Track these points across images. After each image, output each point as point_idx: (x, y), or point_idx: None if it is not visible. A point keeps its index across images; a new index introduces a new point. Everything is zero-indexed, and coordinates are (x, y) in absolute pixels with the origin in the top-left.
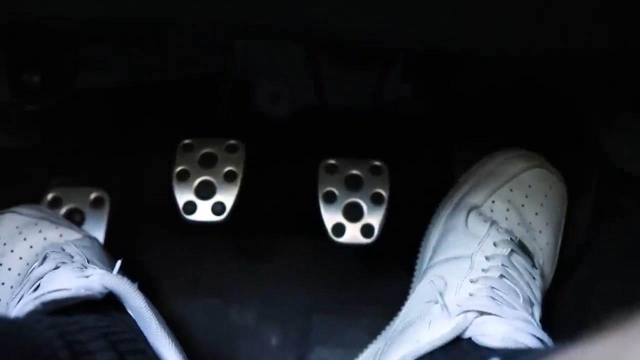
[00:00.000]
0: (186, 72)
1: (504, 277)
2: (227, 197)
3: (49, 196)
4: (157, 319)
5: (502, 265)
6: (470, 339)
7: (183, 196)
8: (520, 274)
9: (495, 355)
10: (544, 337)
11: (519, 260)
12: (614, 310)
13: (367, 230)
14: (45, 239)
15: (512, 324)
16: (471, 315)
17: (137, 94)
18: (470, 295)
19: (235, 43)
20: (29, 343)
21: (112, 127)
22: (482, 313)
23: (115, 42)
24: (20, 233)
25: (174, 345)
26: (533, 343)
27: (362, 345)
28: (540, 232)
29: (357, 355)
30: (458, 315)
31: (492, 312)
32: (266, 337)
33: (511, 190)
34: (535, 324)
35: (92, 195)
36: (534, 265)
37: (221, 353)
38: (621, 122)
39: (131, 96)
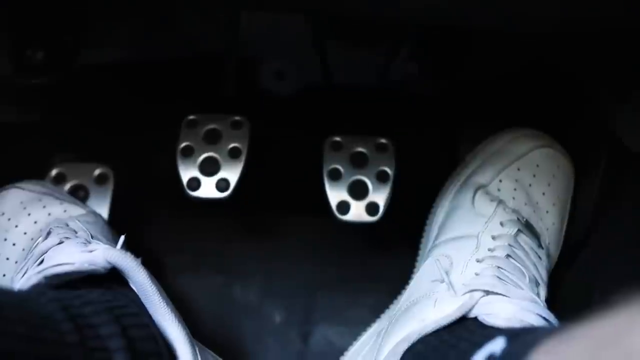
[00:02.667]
0: (191, 48)
1: (510, 256)
2: (232, 173)
3: (53, 172)
4: (160, 294)
5: (509, 245)
6: (476, 318)
7: (187, 172)
8: (527, 254)
9: (501, 334)
10: (550, 316)
11: (525, 240)
12: (619, 293)
13: (372, 208)
14: (49, 214)
15: (518, 304)
16: (477, 294)
17: (142, 71)
18: (476, 274)
19: (241, 19)
20: (33, 315)
21: (117, 103)
22: (488, 292)
23: (120, 17)
24: (24, 208)
25: (177, 320)
26: (539, 323)
27: (365, 323)
28: (547, 212)
29: (360, 333)
30: (464, 294)
31: (499, 292)
32: (270, 314)
33: (519, 169)
34: (542, 304)
35: (97, 172)
36: (540, 245)
37: (224, 329)
38: (631, 101)
39: (136, 72)
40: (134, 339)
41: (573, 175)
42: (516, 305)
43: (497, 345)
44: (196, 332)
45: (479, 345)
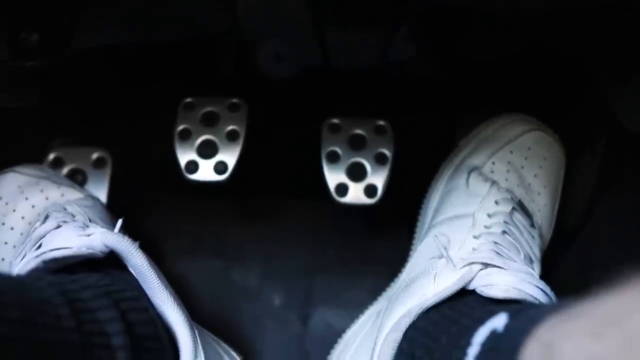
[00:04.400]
0: (188, 31)
1: (506, 233)
2: (230, 156)
3: (51, 156)
4: (159, 278)
5: (504, 222)
6: (475, 292)
7: (185, 155)
8: (521, 232)
9: (503, 310)
10: (547, 288)
11: (519, 218)
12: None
13: (370, 190)
14: (47, 198)
15: (517, 275)
16: (476, 267)
17: (139, 53)
18: (474, 249)
19: (238, 2)
20: (30, 299)
21: (114, 87)
22: (486, 265)
23: (115, 1)
24: (22, 192)
25: (175, 303)
26: (536, 293)
27: (364, 306)
28: (539, 193)
29: (359, 316)
30: (463, 267)
31: (496, 264)
32: (269, 297)
33: (511, 152)
34: (537, 277)
35: (94, 155)
36: (532, 225)
37: (224, 313)
38: (631, 83)
39: (133, 55)
40: (133, 322)
41: (564, 158)
42: (514, 276)
43: (500, 321)
44: (195, 316)
45: (481, 321)
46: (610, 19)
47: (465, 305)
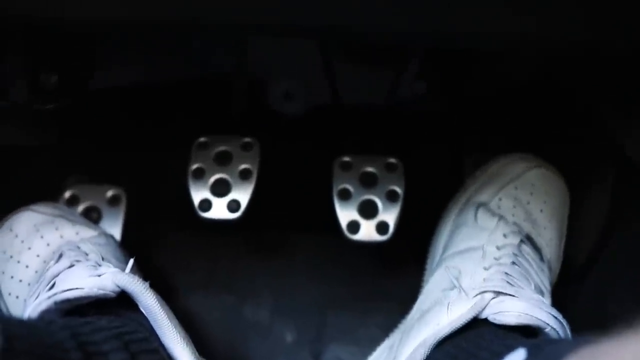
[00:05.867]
0: (200, 71)
1: (515, 264)
2: (243, 194)
3: (67, 194)
4: (169, 318)
5: (513, 253)
6: (490, 323)
7: (199, 194)
8: (530, 263)
9: (521, 345)
10: (559, 315)
11: (527, 251)
12: (632, 313)
13: (382, 227)
14: (61, 236)
15: (528, 301)
16: (488, 295)
17: (153, 93)
18: (485, 279)
19: (249, 42)
20: (43, 344)
21: (129, 126)
22: (498, 293)
23: (131, 43)
24: (37, 231)
25: (185, 344)
26: (548, 319)
27: (376, 342)
28: (545, 228)
29: (370, 352)
30: (475, 296)
31: (508, 292)
32: (280, 334)
33: (516, 188)
34: (549, 304)
35: (109, 193)
36: (542, 259)
37: (235, 349)
38: (637, 117)
39: (147, 95)
40: None
41: (567, 192)
42: (526, 302)
43: (518, 356)
44: (207, 352)
45: (499, 355)
46: (614, 56)
47: (480, 338)
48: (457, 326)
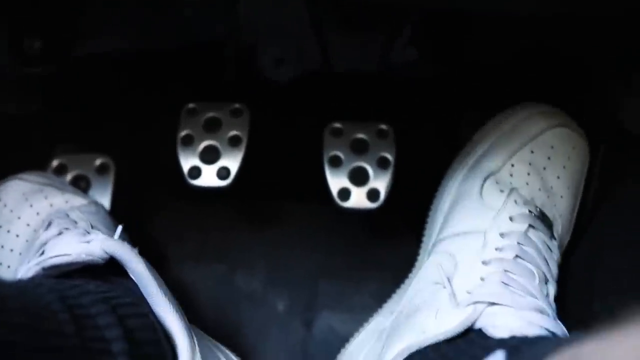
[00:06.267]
0: (189, 36)
1: (519, 257)
2: (232, 161)
3: (54, 163)
4: (158, 283)
5: (518, 243)
6: (480, 330)
7: (188, 161)
8: (538, 250)
9: (502, 347)
10: (557, 329)
11: (537, 234)
12: (620, 281)
13: (373, 194)
14: (51, 205)
15: (524, 318)
16: (480, 306)
17: (140, 59)
18: (482, 279)
19: (239, 6)
20: (32, 305)
21: (116, 93)
22: (492, 304)
23: (117, 5)
24: (26, 200)
25: (174, 309)
26: (543, 334)
27: (368, 310)
28: (562, 197)
29: (363, 322)
30: (467, 306)
31: (503, 303)
32: (272, 302)
33: (532, 152)
34: (550, 314)
35: (98, 162)
36: (552, 236)
37: (227, 318)
38: (632, 84)
39: (134, 61)
40: (132, 328)
41: (588, 156)
42: (521, 319)
43: (497, 359)
44: (199, 321)
45: (477, 358)
46: (610, 20)
47: (465, 342)
48: (442, 339)
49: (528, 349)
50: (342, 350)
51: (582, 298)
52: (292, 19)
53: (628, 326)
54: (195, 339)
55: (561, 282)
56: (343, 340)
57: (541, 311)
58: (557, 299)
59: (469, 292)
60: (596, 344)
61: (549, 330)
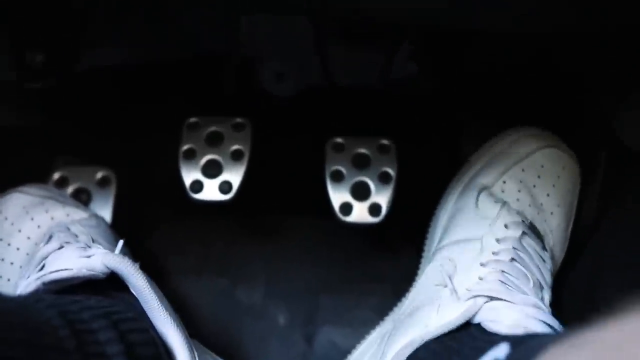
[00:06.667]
0: (191, 50)
1: (515, 260)
2: (234, 175)
3: (56, 176)
4: (159, 298)
5: (513, 248)
6: (479, 324)
7: (190, 175)
8: (531, 257)
9: (504, 340)
10: (554, 323)
11: (529, 242)
12: (622, 296)
13: (374, 209)
14: (52, 218)
15: (522, 311)
16: (480, 300)
17: (143, 73)
18: (480, 279)
19: (241, 20)
20: (32, 321)
21: (118, 106)
22: (491, 298)
23: (119, 19)
24: (27, 213)
25: (175, 324)
26: (543, 329)
27: (369, 324)
28: (552, 213)
29: (364, 335)
30: (467, 300)
31: (502, 298)
32: (273, 316)
33: (523, 170)
34: (546, 310)
35: (99, 175)
36: (544, 248)
37: (228, 332)
38: (631, 100)
39: (137, 75)
40: (133, 343)
41: (579, 176)
42: (520, 312)
43: (501, 351)
44: (200, 335)
45: (482, 350)
46: (608, 38)
47: (468, 336)
48: (444, 331)
49: (530, 340)
50: None
51: (584, 316)
52: (294, 34)
53: (626, 315)
54: (195, 353)
55: (562, 299)
56: (344, 354)
57: (538, 307)
58: (557, 315)
59: (468, 290)
60: (595, 331)
61: (546, 324)
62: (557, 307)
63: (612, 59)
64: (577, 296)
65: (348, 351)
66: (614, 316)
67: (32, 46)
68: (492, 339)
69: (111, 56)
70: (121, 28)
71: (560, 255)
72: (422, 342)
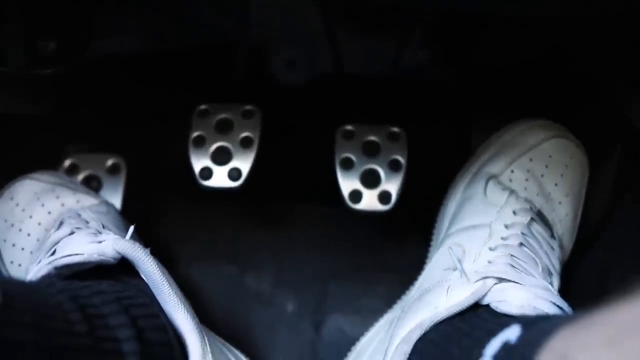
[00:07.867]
0: (202, 37)
1: (524, 245)
2: (244, 162)
3: (66, 163)
4: (169, 284)
5: (522, 233)
6: (488, 305)
7: (199, 162)
8: (540, 244)
9: (515, 322)
10: (564, 304)
11: (538, 229)
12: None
13: (384, 197)
14: (62, 204)
15: (532, 291)
16: (490, 281)
17: (153, 60)
18: (489, 262)
19: (252, 8)
20: (42, 305)
21: (128, 94)
22: (501, 280)
23: (131, 7)
24: (38, 199)
25: (186, 310)
26: (552, 310)
27: (378, 312)
28: (560, 203)
29: (372, 323)
30: (477, 281)
31: (511, 279)
32: (282, 304)
33: (531, 160)
34: (555, 292)
35: (109, 162)
36: (552, 236)
37: (237, 319)
38: None
39: (146, 62)
40: (143, 329)
41: (587, 166)
42: (529, 292)
43: (513, 332)
44: (208, 321)
45: (493, 332)
46: (622, 25)
47: (477, 318)
48: (454, 312)
49: (541, 322)
50: (352, 348)
51: (595, 295)
52: (304, 22)
53: (637, 297)
54: (206, 338)
55: (570, 290)
56: (352, 341)
57: (547, 289)
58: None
59: (477, 272)
60: (606, 313)
61: (556, 305)
62: (566, 299)
63: (625, 47)
64: (587, 287)
65: (356, 338)
66: (624, 298)
67: (44, 34)
68: (502, 320)
69: (121, 44)
70: (131, 15)
71: (568, 245)
72: (432, 323)
